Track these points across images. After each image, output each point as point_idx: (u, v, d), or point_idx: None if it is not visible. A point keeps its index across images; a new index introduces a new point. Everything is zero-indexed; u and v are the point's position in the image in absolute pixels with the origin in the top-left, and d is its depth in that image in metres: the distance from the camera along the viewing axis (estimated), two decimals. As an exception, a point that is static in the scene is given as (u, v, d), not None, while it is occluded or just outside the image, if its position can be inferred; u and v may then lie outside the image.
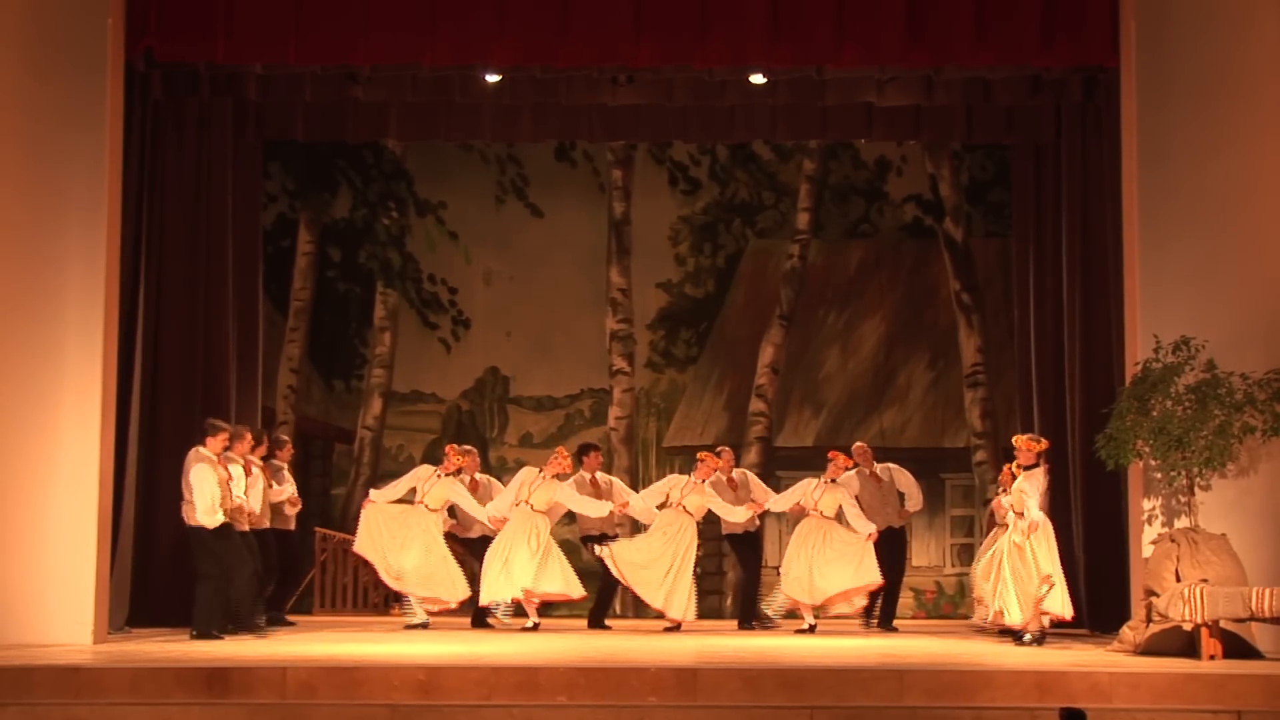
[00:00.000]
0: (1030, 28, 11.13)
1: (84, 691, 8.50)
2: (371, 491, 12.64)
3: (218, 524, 10.86)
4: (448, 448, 12.58)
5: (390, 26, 11.21)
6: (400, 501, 12.42)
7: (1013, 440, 11.08)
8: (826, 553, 12.08)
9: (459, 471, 12.46)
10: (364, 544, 12.34)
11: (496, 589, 12.11)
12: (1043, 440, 10.92)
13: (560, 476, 12.41)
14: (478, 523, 12.59)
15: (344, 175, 15.84)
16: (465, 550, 12.89)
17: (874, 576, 12.08)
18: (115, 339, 11.01)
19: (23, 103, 10.66)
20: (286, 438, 12.85)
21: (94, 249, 10.71)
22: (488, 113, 12.81)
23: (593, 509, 12.42)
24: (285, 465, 12.53)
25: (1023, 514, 10.60)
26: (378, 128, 13.14)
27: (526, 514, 12.21)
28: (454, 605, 12.32)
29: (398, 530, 12.23)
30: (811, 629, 12.09)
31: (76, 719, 8.37)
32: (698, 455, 12.71)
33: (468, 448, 12.99)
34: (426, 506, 12.25)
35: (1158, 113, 10.76)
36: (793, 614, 13.11)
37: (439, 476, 12.30)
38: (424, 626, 12.20)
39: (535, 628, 12.10)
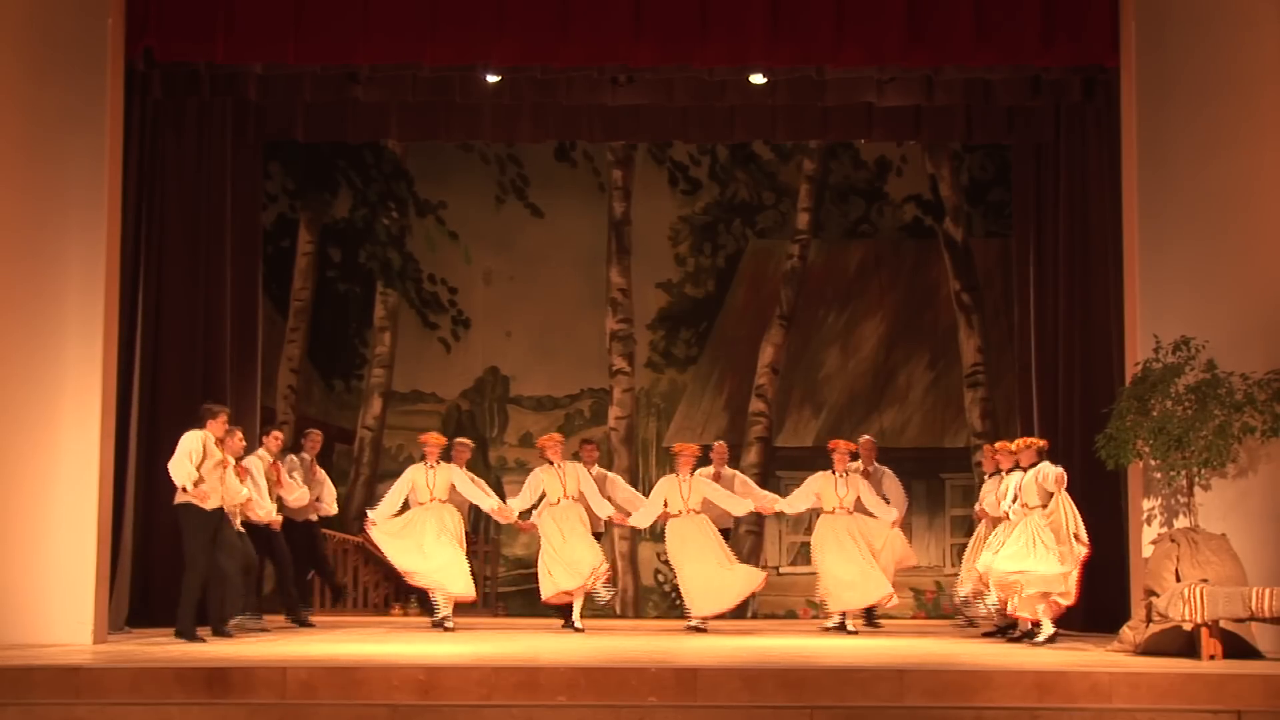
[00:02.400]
0: (1030, 28, 11.13)
1: (84, 691, 8.49)
2: (369, 513, 12.26)
3: (185, 479, 10.58)
4: (422, 438, 12.27)
5: (390, 27, 11.21)
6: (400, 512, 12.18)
7: (1015, 443, 11.14)
8: (871, 550, 11.98)
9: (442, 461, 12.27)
10: (395, 558, 12.04)
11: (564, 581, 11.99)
12: (1041, 440, 11.00)
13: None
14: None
15: (344, 175, 15.86)
16: None
17: (909, 557, 12.24)
18: (115, 339, 11.00)
19: (23, 103, 10.66)
20: (317, 432, 12.85)
21: (94, 249, 10.70)
22: (488, 113, 12.81)
23: (600, 507, 12.26)
24: (312, 459, 12.55)
25: (1038, 506, 10.72)
26: (378, 128, 13.14)
27: (569, 504, 12.13)
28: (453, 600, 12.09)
29: (410, 535, 11.98)
30: (842, 627, 12.00)
31: (76, 719, 8.37)
32: (674, 448, 12.53)
33: (463, 440, 12.72)
34: (439, 500, 12.04)
35: (1157, 113, 10.76)
36: (792, 613, 13.13)
37: (431, 467, 12.08)
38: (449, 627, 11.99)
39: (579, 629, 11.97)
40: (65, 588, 10.39)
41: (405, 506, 12.17)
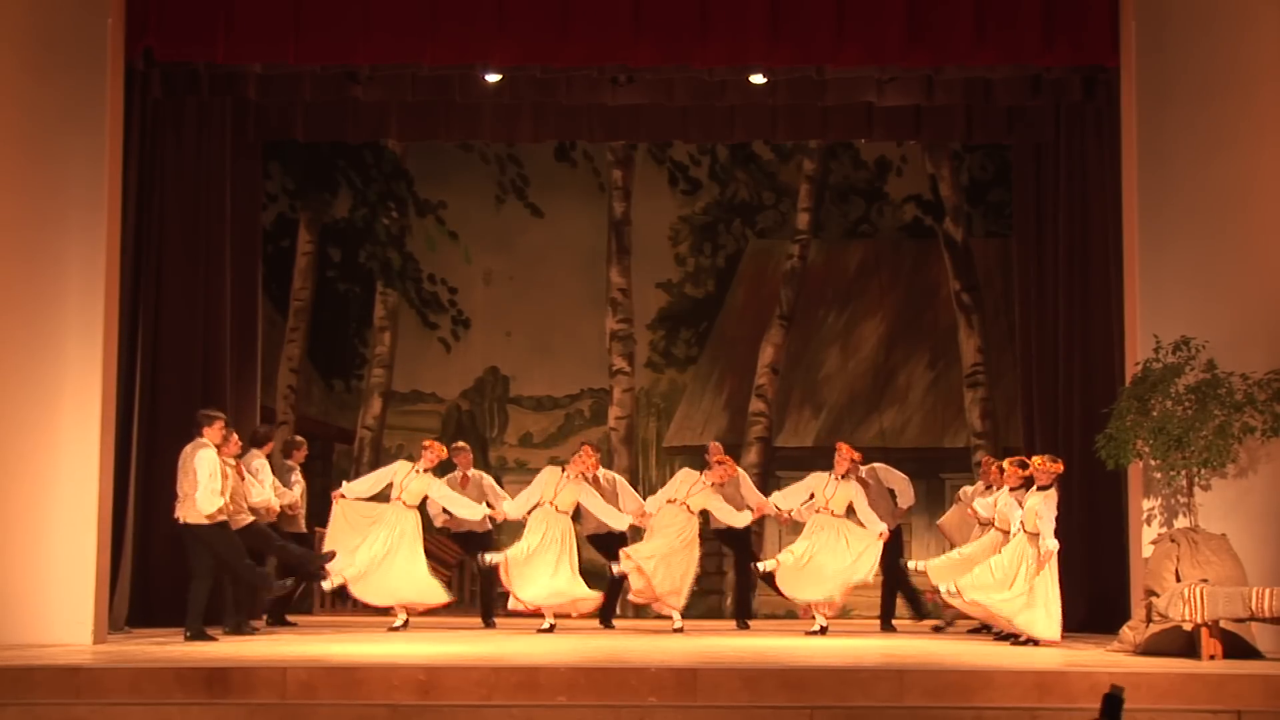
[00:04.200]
0: (1030, 28, 11.13)
1: (84, 691, 8.49)
2: (344, 485, 12.23)
3: (216, 509, 10.71)
4: (426, 442, 12.32)
5: (390, 26, 11.21)
6: (375, 499, 12.17)
7: (1031, 460, 11.07)
8: (836, 551, 11.82)
9: (437, 466, 12.24)
10: (331, 539, 11.98)
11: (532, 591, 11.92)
12: (1059, 461, 10.94)
13: (586, 476, 12.23)
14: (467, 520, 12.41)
15: (344, 175, 15.85)
16: (458, 546, 12.89)
17: (862, 575, 11.83)
18: (115, 339, 11.00)
19: (22, 102, 10.66)
20: (302, 439, 12.87)
21: (94, 249, 10.70)
22: (488, 113, 12.81)
23: (614, 519, 12.24)
24: (297, 467, 12.55)
25: (1037, 534, 10.67)
26: (378, 128, 13.14)
27: (550, 515, 12.05)
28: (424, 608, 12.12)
29: (364, 528, 11.93)
30: (823, 630, 11.88)
31: (76, 719, 8.37)
32: (716, 459, 12.47)
33: (460, 444, 12.91)
34: (404, 503, 12.02)
35: (1157, 113, 10.76)
36: (792, 614, 13.12)
37: (417, 472, 12.11)
38: (404, 627, 12.01)
39: (551, 629, 11.92)
40: (65, 588, 10.39)
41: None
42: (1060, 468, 10.87)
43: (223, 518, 10.90)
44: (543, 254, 15.79)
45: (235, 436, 11.30)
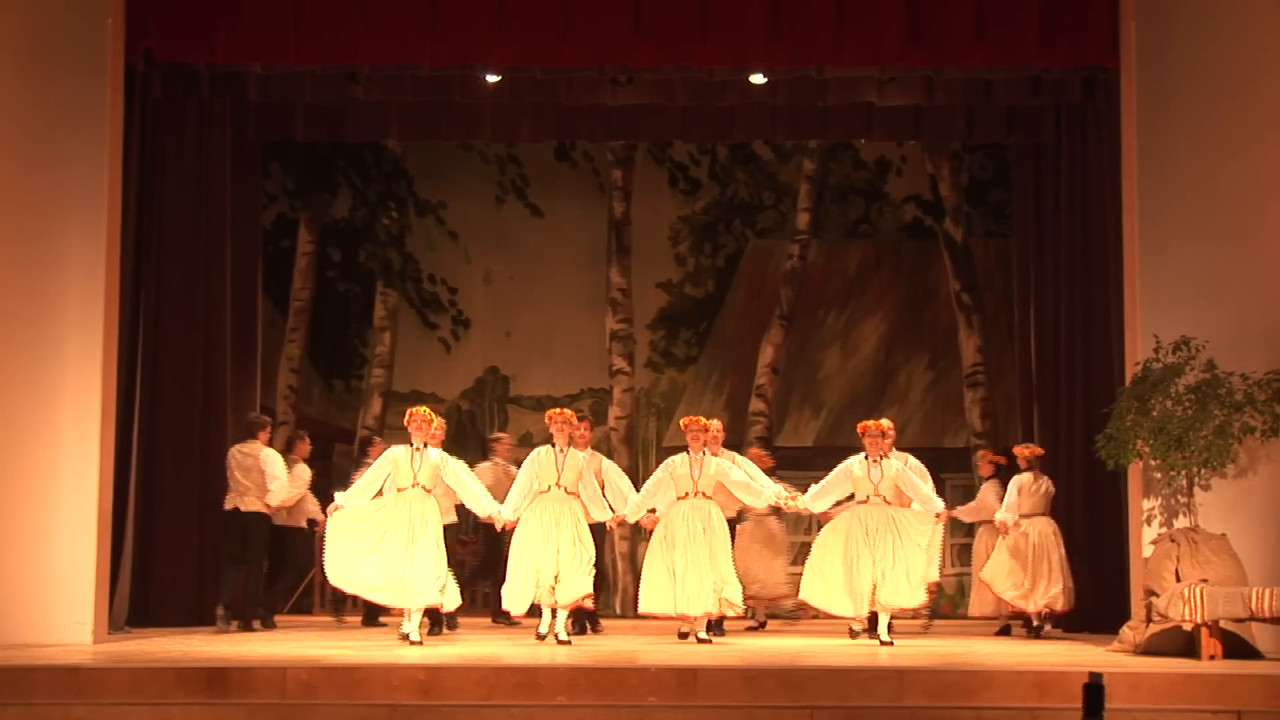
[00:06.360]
0: (1030, 28, 11.13)
1: (84, 691, 8.49)
2: (337, 496, 10.55)
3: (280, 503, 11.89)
4: (411, 411, 10.58)
5: (390, 27, 11.22)
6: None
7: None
8: (897, 553, 10.72)
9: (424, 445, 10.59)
10: (335, 567, 10.41)
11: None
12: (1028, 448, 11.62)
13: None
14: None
15: (344, 175, 15.85)
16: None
17: (933, 575, 10.75)
18: (115, 339, 11.00)
19: (22, 103, 10.66)
20: (303, 432, 12.95)
21: (94, 250, 10.70)
22: (488, 113, 12.82)
23: (598, 510, 10.95)
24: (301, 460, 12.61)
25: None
26: (378, 128, 13.15)
27: (560, 498, 10.79)
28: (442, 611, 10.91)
29: (372, 531, 10.36)
30: (855, 633, 11.22)
31: (76, 719, 8.37)
32: (682, 423, 11.20)
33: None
34: (424, 488, 10.46)
35: (1158, 113, 10.76)
36: (792, 614, 13.10)
37: (416, 449, 10.50)
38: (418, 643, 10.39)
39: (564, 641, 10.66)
40: (65, 588, 10.39)
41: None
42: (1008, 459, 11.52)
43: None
44: (543, 254, 15.80)
45: (307, 441, 12.41)
